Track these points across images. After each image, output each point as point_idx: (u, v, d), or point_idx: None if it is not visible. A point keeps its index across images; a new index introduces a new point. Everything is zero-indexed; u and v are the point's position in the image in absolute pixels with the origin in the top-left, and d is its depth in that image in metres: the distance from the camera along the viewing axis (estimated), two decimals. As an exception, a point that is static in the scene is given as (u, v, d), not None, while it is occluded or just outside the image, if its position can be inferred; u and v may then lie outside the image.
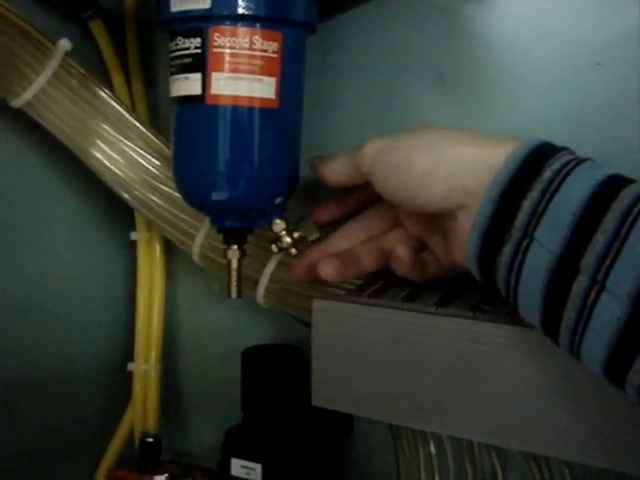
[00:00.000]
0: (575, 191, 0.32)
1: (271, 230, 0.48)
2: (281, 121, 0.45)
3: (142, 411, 0.62)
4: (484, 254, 0.36)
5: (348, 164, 0.44)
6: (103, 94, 0.52)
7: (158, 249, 0.63)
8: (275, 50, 0.44)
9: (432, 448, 0.47)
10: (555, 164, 0.34)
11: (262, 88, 0.44)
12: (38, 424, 0.60)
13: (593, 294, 0.31)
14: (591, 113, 0.45)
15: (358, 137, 0.45)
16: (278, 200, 0.47)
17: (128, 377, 0.63)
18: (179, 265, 0.65)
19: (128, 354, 0.64)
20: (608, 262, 0.30)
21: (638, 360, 0.29)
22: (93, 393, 0.65)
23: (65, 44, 0.52)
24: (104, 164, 0.52)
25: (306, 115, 0.48)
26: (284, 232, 0.48)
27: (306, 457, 0.52)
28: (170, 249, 0.64)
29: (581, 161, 0.34)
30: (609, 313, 0.30)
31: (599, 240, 0.31)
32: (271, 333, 0.60)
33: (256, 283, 0.52)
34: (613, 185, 0.32)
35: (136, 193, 0.52)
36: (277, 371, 0.53)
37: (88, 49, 0.60)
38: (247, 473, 0.51)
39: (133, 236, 0.62)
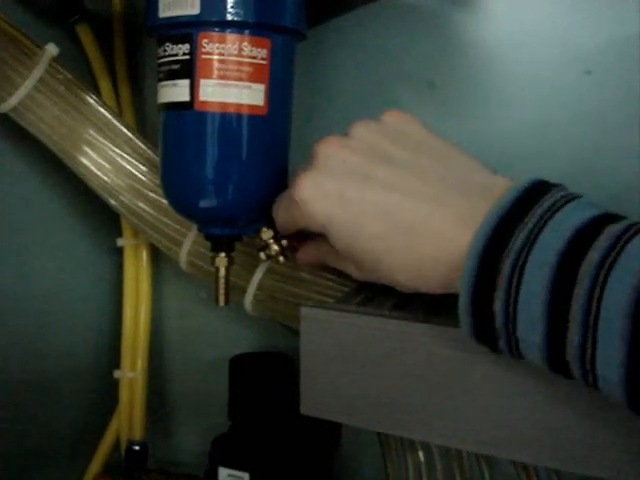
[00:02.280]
0: (535, 281, 0.30)
1: (259, 238, 0.48)
2: (270, 128, 0.45)
3: (128, 418, 0.61)
4: (484, 343, 0.34)
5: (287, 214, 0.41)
6: (90, 100, 0.52)
7: (145, 256, 0.62)
8: (264, 57, 0.44)
9: (420, 456, 0.47)
10: (512, 252, 0.31)
11: (251, 95, 0.44)
12: (21, 431, 0.59)
13: (591, 380, 0.30)
14: (580, 120, 0.46)
15: None
16: (266, 207, 0.47)
17: (114, 384, 0.63)
18: (166, 272, 0.64)
19: (113, 361, 0.63)
20: (589, 353, 0.29)
21: None
22: (78, 399, 0.64)
23: (52, 49, 0.51)
24: (91, 170, 0.51)
25: (296, 119, 0.48)
26: (272, 240, 0.48)
27: (294, 465, 0.51)
28: (157, 256, 0.63)
29: (557, 209, 0.31)
30: (615, 398, 0.30)
31: (573, 330, 0.29)
32: (259, 341, 0.60)
33: (244, 291, 0.51)
34: (577, 254, 0.30)
35: (123, 199, 0.52)
36: (265, 379, 0.53)
37: (74, 54, 0.60)
38: (234, 482, 0.50)
39: (119, 242, 0.62)
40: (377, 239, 0.36)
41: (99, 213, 0.62)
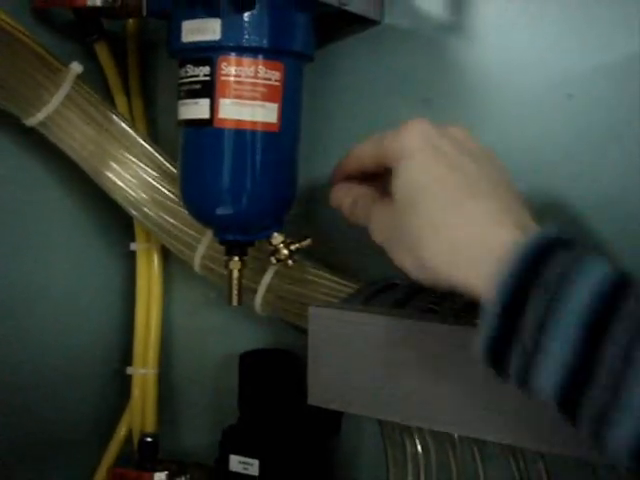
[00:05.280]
0: (579, 301, 0.31)
1: (270, 243, 0.52)
2: (282, 143, 0.50)
3: (140, 412, 0.65)
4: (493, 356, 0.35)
5: (375, 147, 0.44)
6: (115, 117, 0.56)
7: (156, 259, 0.66)
8: (277, 79, 0.48)
9: (417, 441, 0.51)
10: (557, 266, 0.33)
11: (265, 113, 0.48)
12: (37, 423, 0.63)
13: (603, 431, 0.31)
14: (562, 140, 0.50)
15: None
16: (277, 215, 0.51)
17: (125, 380, 0.67)
18: (175, 274, 0.68)
19: (125, 358, 0.67)
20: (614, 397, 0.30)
21: None
22: (90, 395, 0.68)
23: (76, 67, 0.55)
24: (116, 184, 0.55)
25: (302, 134, 0.52)
26: (282, 245, 0.52)
27: (299, 452, 0.56)
28: (167, 258, 0.67)
29: (575, 264, 0.32)
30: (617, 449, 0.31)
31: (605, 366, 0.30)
32: (263, 339, 0.64)
33: (254, 292, 0.55)
34: (618, 292, 0.31)
35: (145, 210, 0.56)
36: (272, 373, 0.57)
37: (91, 69, 0.64)
38: (245, 468, 0.54)
39: (132, 246, 0.66)
40: (442, 186, 0.38)
41: (112, 219, 0.66)
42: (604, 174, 0.49)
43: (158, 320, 0.66)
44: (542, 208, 0.49)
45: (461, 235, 0.37)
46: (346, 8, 0.50)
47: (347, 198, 0.47)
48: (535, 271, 0.33)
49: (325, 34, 0.54)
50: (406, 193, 0.40)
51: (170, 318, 0.68)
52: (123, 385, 0.67)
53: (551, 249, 0.33)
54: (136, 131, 0.57)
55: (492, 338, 0.34)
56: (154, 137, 0.67)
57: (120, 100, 0.64)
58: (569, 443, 0.41)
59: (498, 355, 0.34)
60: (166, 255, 0.67)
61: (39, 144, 0.58)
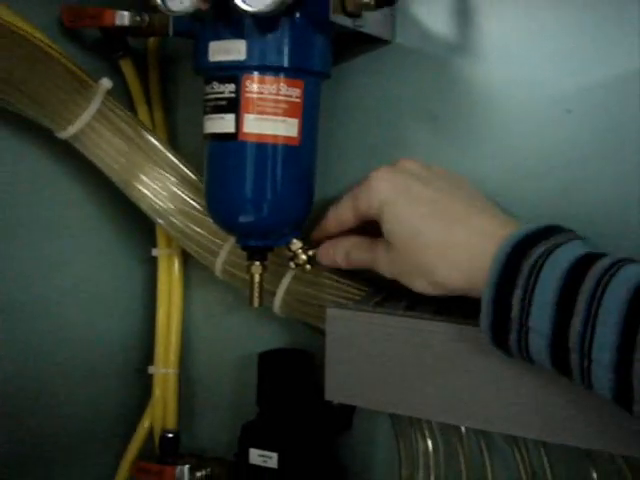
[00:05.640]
0: (549, 280, 0.39)
1: (289, 249, 0.56)
2: (301, 156, 0.53)
3: (162, 410, 0.68)
4: (497, 338, 0.43)
5: (352, 207, 0.51)
6: (143, 131, 0.59)
7: (177, 264, 0.69)
8: (298, 95, 0.52)
9: (427, 435, 0.55)
10: (531, 259, 0.41)
11: (286, 128, 0.52)
12: (62, 419, 0.66)
13: (585, 366, 0.39)
14: (561, 153, 0.54)
15: (362, 168, 0.54)
16: (296, 223, 0.55)
17: (145, 379, 0.70)
18: (195, 278, 0.71)
19: (145, 358, 0.71)
20: (587, 340, 0.38)
21: (635, 407, 0.37)
22: (112, 393, 0.71)
23: (106, 83, 0.59)
24: (145, 195, 0.59)
25: (318, 148, 0.56)
26: (300, 250, 0.56)
27: (315, 445, 0.59)
28: (186, 263, 0.71)
29: (552, 250, 0.41)
30: (601, 384, 0.38)
31: (576, 321, 0.38)
32: (279, 340, 0.67)
33: (273, 295, 0.59)
34: (583, 268, 0.39)
35: (170, 219, 0.59)
36: (289, 371, 0.60)
37: (115, 82, 0.67)
38: (264, 461, 0.58)
39: (154, 252, 0.69)
40: (423, 220, 0.47)
41: (133, 225, 0.70)
42: (602, 184, 0.53)
43: (178, 322, 0.69)
44: (543, 216, 0.53)
45: (461, 254, 0.45)
46: (361, 30, 0.54)
47: (338, 253, 0.54)
48: (517, 264, 0.41)
49: (340, 52, 0.58)
50: (401, 237, 0.47)
51: (189, 320, 0.71)
52: (144, 384, 0.71)
53: (529, 244, 0.42)
54: (163, 144, 0.60)
55: (492, 322, 0.42)
56: (174, 147, 0.71)
57: (142, 112, 0.68)
58: (571, 433, 0.45)
59: (499, 335, 0.43)
60: (185, 260, 0.70)
61: (66, 153, 0.62)
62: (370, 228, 0.51)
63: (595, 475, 0.53)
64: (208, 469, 0.65)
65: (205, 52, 0.52)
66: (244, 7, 0.46)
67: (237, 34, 0.50)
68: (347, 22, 0.52)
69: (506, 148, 0.56)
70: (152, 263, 0.71)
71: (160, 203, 0.59)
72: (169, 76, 0.71)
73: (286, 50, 0.50)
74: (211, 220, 0.56)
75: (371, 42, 0.58)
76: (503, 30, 0.56)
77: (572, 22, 0.54)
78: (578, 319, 0.38)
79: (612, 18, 0.52)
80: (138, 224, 0.69)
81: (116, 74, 0.67)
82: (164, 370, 0.69)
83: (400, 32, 0.59)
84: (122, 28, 0.60)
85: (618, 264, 0.39)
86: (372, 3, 0.50)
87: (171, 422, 0.69)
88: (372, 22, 0.55)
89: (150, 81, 0.70)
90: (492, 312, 0.42)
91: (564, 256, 0.40)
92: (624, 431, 0.43)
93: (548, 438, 0.46)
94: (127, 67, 0.66)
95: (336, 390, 0.53)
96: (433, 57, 0.58)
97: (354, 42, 0.58)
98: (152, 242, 0.70)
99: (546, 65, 0.55)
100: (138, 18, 0.59)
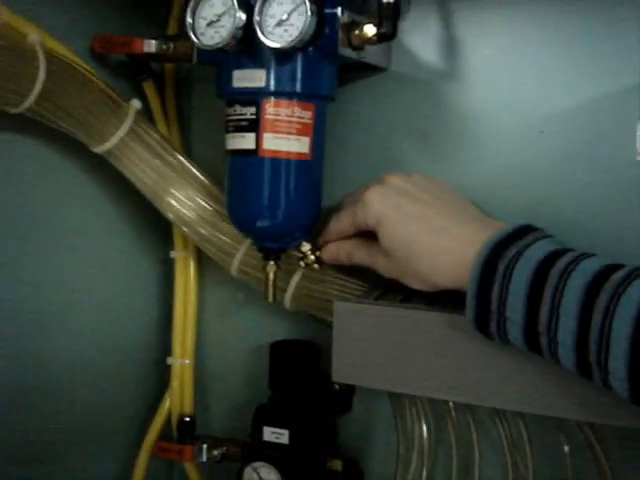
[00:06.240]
0: (520, 278, 0.47)
1: (299, 250, 0.64)
2: (311, 169, 0.61)
3: (179, 397, 0.76)
4: (480, 326, 0.51)
5: (350, 221, 0.60)
6: (170, 146, 0.67)
7: (192, 265, 0.77)
8: (309, 117, 0.60)
9: (420, 410, 0.63)
10: (505, 260, 0.49)
11: (299, 145, 0.60)
12: (85, 407, 0.73)
13: (553, 347, 0.47)
14: (534, 168, 0.62)
15: (361, 178, 0.64)
16: (306, 227, 0.63)
17: (162, 371, 0.78)
18: (209, 277, 0.79)
19: (163, 351, 0.78)
20: (553, 325, 0.46)
21: (595, 376, 0.46)
22: (131, 383, 0.79)
23: (136, 104, 0.66)
24: (174, 206, 0.66)
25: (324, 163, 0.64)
26: (309, 251, 0.64)
27: (321, 424, 0.67)
28: (200, 264, 0.78)
29: (522, 251, 0.49)
30: (566, 361, 0.47)
31: (544, 310, 0.46)
32: (286, 333, 0.74)
33: (284, 291, 0.67)
34: (548, 265, 0.47)
35: (195, 226, 0.67)
36: (297, 359, 0.68)
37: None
38: (277, 438, 0.65)
39: (172, 255, 0.77)
40: (414, 233, 0.55)
41: (151, 229, 0.78)
42: (570, 197, 0.62)
43: (193, 318, 0.77)
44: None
45: (449, 258, 0.53)
46: (362, 60, 0.62)
47: (341, 253, 0.63)
48: (493, 265, 0.49)
49: (342, 78, 0.66)
50: (396, 248, 0.56)
51: (203, 316, 0.79)
52: (161, 375, 0.78)
53: (503, 246, 0.50)
54: (187, 159, 0.68)
55: (475, 313, 0.51)
56: (189, 157, 0.78)
57: (161, 127, 0.75)
58: (543, 403, 0.53)
59: (482, 323, 0.51)
60: (199, 261, 0.78)
61: (95, 165, 0.69)
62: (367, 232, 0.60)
63: (567, 448, 0.62)
64: (223, 447, 0.72)
65: (229, 79, 0.60)
66: (269, 44, 0.54)
67: (258, 64, 0.58)
68: (352, 54, 0.60)
69: (486, 163, 0.65)
70: (168, 264, 0.79)
71: (185, 212, 0.66)
72: (183, 94, 0.79)
73: (300, 78, 0.58)
74: (230, 225, 0.64)
75: (370, 69, 0.66)
76: (485, 60, 0.64)
77: (545, 54, 0.62)
78: (545, 309, 0.46)
79: (581, 52, 0.61)
80: (155, 229, 0.77)
81: (136, 92, 0.74)
82: (181, 361, 0.76)
83: (395, 61, 0.67)
84: (148, 54, 0.68)
85: (577, 259, 0.47)
86: (374, 39, 0.58)
87: (188, 408, 0.76)
88: (372, 53, 0.63)
89: (167, 99, 0.77)
90: (475, 305, 0.50)
91: (533, 255, 0.48)
92: (591, 401, 0.51)
93: (526, 409, 0.54)
94: (149, 89, 0.74)
95: (342, 372, 0.61)
96: (424, 83, 0.67)
97: (355, 69, 0.66)
98: (167, 245, 0.78)
99: (522, 91, 0.63)
100: (164, 46, 0.67)
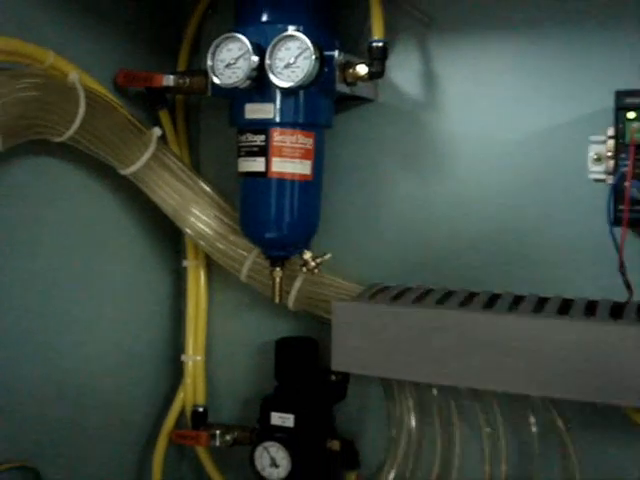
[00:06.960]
0: None
1: (301, 257, 0.74)
2: (312, 188, 0.71)
3: (192, 390, 0.85)
4: None
5: None
6: (190, 172, 0.76)
7: (203, 273, 0.86)
8: (311, 143, 0.70)
9: (409, 396, 0.73)
10: None
11: (302, 168, 0.70)
12: (105, 402, 0.81)
13: None
14: (501, 185, 0.73)
15: (351, 193, 0.76)
16: (307, 238, 0.73)
17: (175, 368, 0.87)
18: (218, 283, 0.88)
19: (175, 350, 0.87)
20: None
21: None
22: (148, 379, 0.87)
23: (157, 131, 0.76)
24: (193, 223, 0.76)
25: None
26: (310, 259, 0.73)
27: (321, 409, 0.77)
28: (210, 270, 0.87)
29: None
30: None
31: None
32: (287, 332, 0.84)
33: (287, 293, 0.76)
34: None
35: (210, 240, 0.77)
36: (300, 352, 0.78)
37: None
38: (283, 422, 0.75)
39: (184, 263, 0.86)
40: None
41: (165, 243, 0.87)
42: (533, 210, 0.73)
43: (204, 319, 0.86)
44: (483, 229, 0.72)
45: None
46: (354, 94, 0.72)
47: None
48: None
49: (337, 108, 0.76)
50: None
51: (213, 317, 0.88)
52: (174, 372, 0.88)
53: None
54: (203, 180, 0.77)
55: None
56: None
57: (175, 150, 0.85)
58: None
59: None
60: (209, 269, 0.87)
61: (118, 185, 0.78)
62: None
63: (534, 429, 0.72)
64: (234, 433, 0.82)
65: (241, 111, 0.70)
66: (279, 84, 0.64)
67: (267, 99, 0.68)
68: (346, 89, 0.70)
69: (460, 179, 0.76)
70: (179, 272, 0.88)
71: (203, 228, 0.76)
72: (192, 119, 0.88)
73: (302, 111, 0.69)
74: (240, 237, 0.74)
75: (361, 100, 0.77)
76: (462, 91, 0.75)
77: (511, 88, 0.73)
78: None
79: (543, 89, 0.72)
80: (167, 242, 0.87)
81: (151, 119, 0.83)
82: (193, 357, 0.85)
83: (382, 93, 0.78)
84: (166, 87, 0.77)
85: None
86: (366, 77, 0.68)
87: (200, 399, 0.85)
88: (362, 87, 0.73)
89: (177, 124, 0.86)
90: None
91: None
92: (557, 378, 0.62)
93: (493, 387, 0.65)
94: (164, 117, 0.83)
95: (340, 362, 0.70)
96: (407, 112, 0.77)
97: (348, 101, 0.77)
98: (178, 255, 0.88)
99: (493, 120, 0.74)
100: (181, 81, 0.76)
